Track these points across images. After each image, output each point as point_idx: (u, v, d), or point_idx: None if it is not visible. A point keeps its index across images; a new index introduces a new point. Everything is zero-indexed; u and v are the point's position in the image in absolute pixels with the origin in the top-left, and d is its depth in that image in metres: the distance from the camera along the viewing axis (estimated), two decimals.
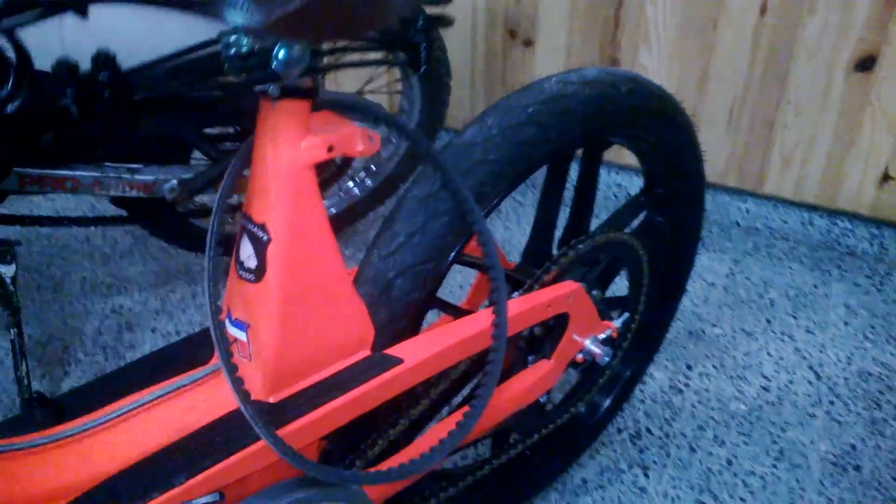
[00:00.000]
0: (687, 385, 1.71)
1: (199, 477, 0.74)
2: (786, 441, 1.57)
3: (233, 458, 0.76)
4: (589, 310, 1.10)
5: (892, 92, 1.87)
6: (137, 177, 1.58)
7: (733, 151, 2.10)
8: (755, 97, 2.02)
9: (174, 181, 1.60)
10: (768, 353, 1.79)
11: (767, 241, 2.18)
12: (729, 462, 1.53)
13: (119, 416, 0.76)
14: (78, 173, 1.54)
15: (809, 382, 1.71)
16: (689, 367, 1.75)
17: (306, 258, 0.78)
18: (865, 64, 1.88)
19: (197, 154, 1.70)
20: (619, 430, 1.60)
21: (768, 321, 1.89)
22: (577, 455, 1.45)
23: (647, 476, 1.50)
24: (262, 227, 0.76)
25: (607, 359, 1.13)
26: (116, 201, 1.72)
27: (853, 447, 1.56)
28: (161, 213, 1.74)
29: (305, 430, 0.79)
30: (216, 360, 0.83)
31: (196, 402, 0.79)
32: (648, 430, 1.60)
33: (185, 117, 1.62)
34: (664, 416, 1.63)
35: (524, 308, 0.98)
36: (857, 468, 1.51)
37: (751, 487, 1.47)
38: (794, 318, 1.90)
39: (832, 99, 1.94)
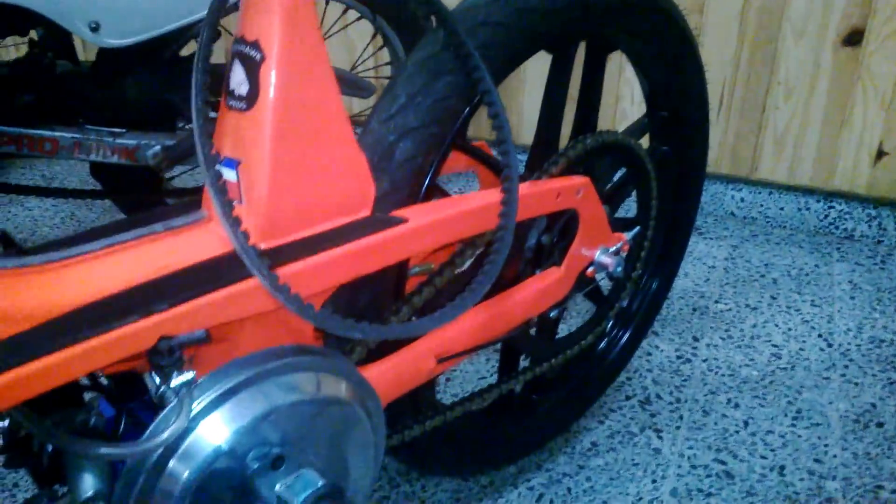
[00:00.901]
0: (695, 355, 1.63)
1: (183, 308, 0.66)
2: (803, 402, 1.49)
3: (221, 293, 0.68)
4: (598, 213, 1.04)
5: (882, 65, 1.87)
6: (119, 140, 1.52)
7: (725, 138, 2.09)
8: (745, 81, 2.02)
9: (157, 147, 1.55)
10: (776, 325, 1.73)
11: (765, 228, 2.14)
12: (745, 423, 1.44)
13: (93, 252, 0.68)
14: (57, 134, 1.48)
15: (821, 349, 1.64)
16: (695, 339, 1.68)
17: (302, 82, 0.72)
18: (853, 38, 1.88)
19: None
20: (628, 397, 1.51)
21: (773, 297, 1.83)
22: (587, 404, 1.37)
23: (660, 438, 1.41)
24: (255, 45, 0.70)
25: (619, 269, 1.06)
26: (96, 172, 1.65)
27: (873, 406, 1.48)
28: (140, 187, 1.67)
29: (299, 277, 0.72)
30: (204, 209, 0.76)
31: (179, 246, 0.71)
32: (658, 396, 1.51)
33: (171, 82, 1.58)
34: (674, 384, 1.55)
35: (533, 191, 0.92)
36: (880, 424, 1.43)
37: (771, 445, 1.38)
38: (799, 293, 1.84)
39: (822, 77, 1.94)
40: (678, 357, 1.62)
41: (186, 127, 1.63)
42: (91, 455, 0.65)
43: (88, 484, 0.70)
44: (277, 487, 0.72)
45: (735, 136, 2.07)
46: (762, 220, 2.16)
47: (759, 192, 2.12)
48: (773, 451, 1.37)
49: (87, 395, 0.77)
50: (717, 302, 1.81)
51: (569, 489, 1.31)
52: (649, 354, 1.63)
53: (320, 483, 0.71)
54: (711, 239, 2.08)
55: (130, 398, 0.79)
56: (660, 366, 1.60)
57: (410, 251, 0.81)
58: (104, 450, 0.65)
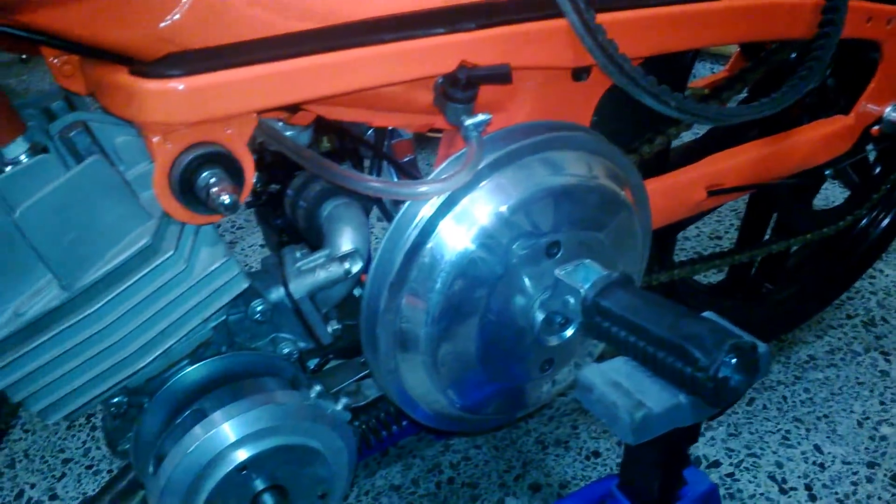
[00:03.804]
0: None
1: (489, 32, 0.57)
2: None
3: (529, 26, 0.58)
4: None
5: None
6: None
7: None
8: None
9: None
10: None
11: None
12: None
13: None
14: None
15: None
16: None
17: None
18: None
19: None
20: (849, 316, 1.34)
21: None
22: (820, 305, 1.22)
23: (888, 361, 1.24)
24: None
25: None
26: None
27: None
28: None
29: (615, 27, 0.60)
30: None
31: None
32: (884, 320, 1.34)
33: None
34: None
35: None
36: None
37: None
38: None
39: None
40: None
41: None
42: (364, 190, 0.57)
43: (347, 239, 0.63)
44: (558, 272, 0.62)
45: None
46: None
47: None
48: None
49: None
50: None
51: (784, 397, 1.17)
52: (872, 277, 1.45)
53: (606, 271, 0.61)
54: None
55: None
56: (885, 289, 1.42)
57: (720, 35, 0.69)
58: (376, 184, 0.57)
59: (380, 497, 1.01)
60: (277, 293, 0.61)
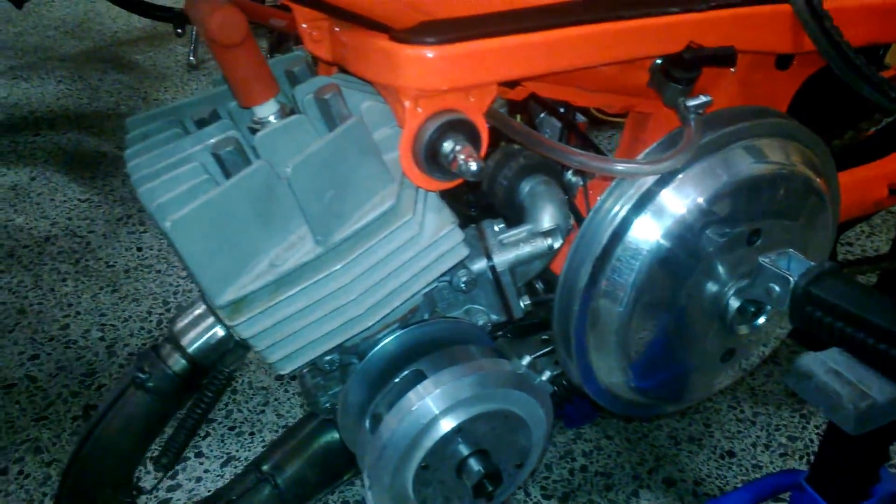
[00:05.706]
0: None
1: (719, 14, 0.57)
2: None
3: (756, 9, 0.58)
4: None
5: None
6: None
7: None
8: None
9: None
10: None
11: None
12: None
13: None
14: None
15: None
16: None
17: None
18: None
19: None
20: None
21: None
22: None
23: None
24: None
25: None
26: None
27: None
28: None
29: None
30: None
31: None
32: None
33: None
34: None
35: None
36: None
37: None
38: None
39: None
40: None
41: None
42: (582, 166, 0.58)
43: (548, 215, 0.64)
44: (763, 260, 0.61)
45: None
46: None
47: None
48: None
49: None
50: None
51: None
52: None
53: (814, 263, 0.60)
54: None
55: None
56: None
57: None
58: (594, 161, 0.57)
59: None
60: (480, 264, 0.62)
